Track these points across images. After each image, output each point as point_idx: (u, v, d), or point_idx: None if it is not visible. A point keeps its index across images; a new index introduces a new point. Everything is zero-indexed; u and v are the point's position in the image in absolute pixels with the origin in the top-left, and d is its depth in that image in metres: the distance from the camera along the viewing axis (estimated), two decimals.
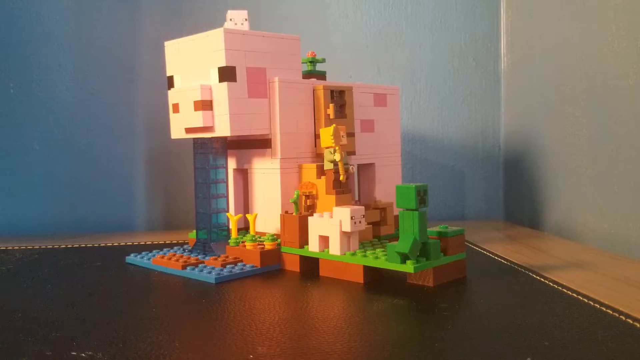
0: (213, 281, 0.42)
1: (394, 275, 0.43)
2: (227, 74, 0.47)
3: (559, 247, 0.55)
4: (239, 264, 0.46)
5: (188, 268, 0.45)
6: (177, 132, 0.52)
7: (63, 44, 0.72)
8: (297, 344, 0.29)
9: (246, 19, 0.51)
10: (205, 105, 0.48)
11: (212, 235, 0.49)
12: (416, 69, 0.80)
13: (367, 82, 0.77)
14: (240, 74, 0.48)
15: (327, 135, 0.47)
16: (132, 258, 0.50)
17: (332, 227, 0.43)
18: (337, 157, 0.46)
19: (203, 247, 0.50)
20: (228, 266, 0.45)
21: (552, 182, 0.66)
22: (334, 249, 0.43)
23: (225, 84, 0.47)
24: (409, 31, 0.80)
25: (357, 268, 0.42)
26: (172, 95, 0.51)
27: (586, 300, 0.35)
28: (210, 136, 0.49)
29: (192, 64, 0.50)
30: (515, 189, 0.77)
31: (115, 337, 0.30)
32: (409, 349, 0.28)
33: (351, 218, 0.42)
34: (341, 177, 0.47)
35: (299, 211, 0.47)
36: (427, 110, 0.80)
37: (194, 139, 0.51)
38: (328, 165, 0.47)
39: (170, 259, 0.47)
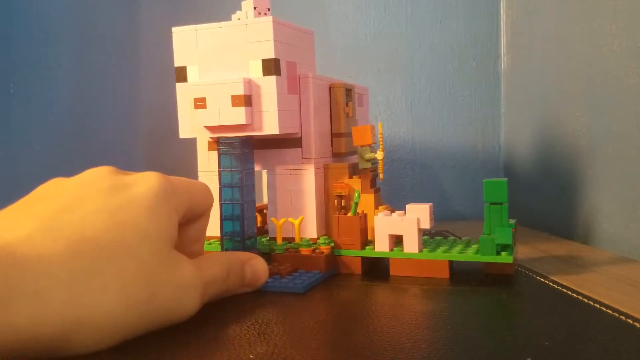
0: (302, 291, 0.39)
1: (464, 268, 0.44)
2: (273, 67, 0.44)
3: (559, 247, 0.55)
4: (299, 271, 0.43)
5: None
6: (190, 130, 0.47)
7: (63, 44, 0.72)
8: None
9: (269, 9, 0.48)
10: (247, 100, 0.44)
11: (236, 244, 0.45)
12: (416, 69, 0.80)
13: (367, 82, 0.77)
14: (282, 67, 0.45)
15: (364, 133, 0.46)
16: None
17: (407, 225, 0.43)
18: (380, 155, 0.46)
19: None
20: (290, 275, 0.42)
21: (552, 182, 0.66)
22: (411, 247, 0.43)
23: (272, 77, 0.44)
24: (409, 31, 0.80)
25: (440, 264, 0.43)
26: (195, 89, 0.45)
27: (586, 300, 0.35)
28: (251, 135, 0.45)
29: (220, 53, 0.46)
30: (515, 189, 0.77)
31: None
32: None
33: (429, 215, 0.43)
34: (381, 176, 0.47)
35: (356, 212, 0.45)
36: (427, 110, 0.80)
37: (219, 139, 0.45)
38: (364, 164, 0.47)
39: None
